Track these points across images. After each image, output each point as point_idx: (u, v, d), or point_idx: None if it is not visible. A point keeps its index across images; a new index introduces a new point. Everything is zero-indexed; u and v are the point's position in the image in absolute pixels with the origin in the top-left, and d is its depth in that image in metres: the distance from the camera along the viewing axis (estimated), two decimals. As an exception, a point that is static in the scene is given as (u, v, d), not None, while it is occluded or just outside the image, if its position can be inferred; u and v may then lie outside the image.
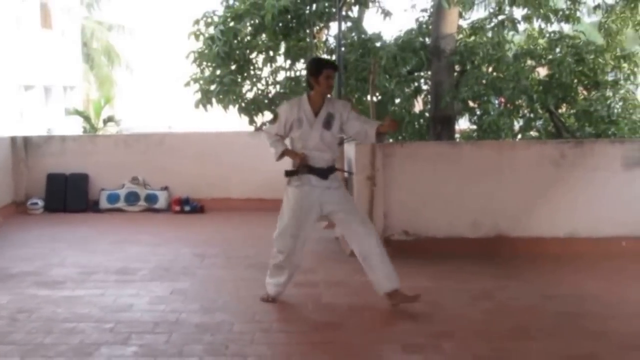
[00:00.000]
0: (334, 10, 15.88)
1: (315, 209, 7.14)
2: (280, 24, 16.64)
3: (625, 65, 18.12)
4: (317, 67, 7.16)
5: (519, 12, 18.04)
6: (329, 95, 7.36)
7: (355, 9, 18.25)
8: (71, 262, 9.09)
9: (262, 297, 7.39)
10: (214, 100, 17.12)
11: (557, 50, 17.86)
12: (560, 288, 7.96)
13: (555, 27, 18.74)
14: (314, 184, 7.06)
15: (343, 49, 15.00)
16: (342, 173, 7.71)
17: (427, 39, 17.65)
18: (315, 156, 7.07)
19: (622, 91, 18.25)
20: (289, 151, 7.19)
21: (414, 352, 5.96)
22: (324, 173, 7.07)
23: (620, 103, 18.04)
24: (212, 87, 17.11)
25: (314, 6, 16.74)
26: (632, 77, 18.42)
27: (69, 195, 12.94)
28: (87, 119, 30.42)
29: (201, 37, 17.38)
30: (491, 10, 18.87)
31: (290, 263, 7.25)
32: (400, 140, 16.86)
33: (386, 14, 17.50)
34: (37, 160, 13.07)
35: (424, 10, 17.94)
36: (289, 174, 7.17)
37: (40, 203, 12.80)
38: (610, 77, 18.20)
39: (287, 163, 7.28)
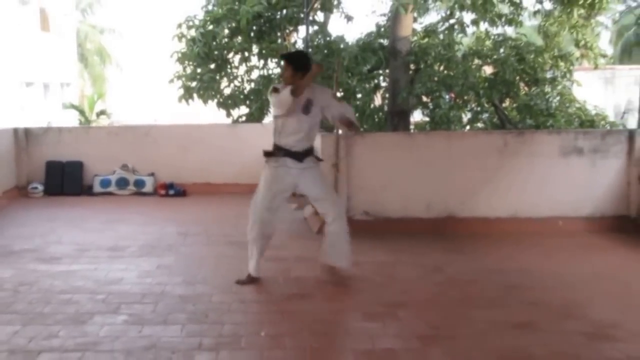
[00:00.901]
0: (302, 15, 15.86)
1: (290, 187, 7.09)
2: (254, 28, 16.62)
3: (562, 64, 18.21)
4: (307, 60, 7.18)
5: (468, 17, 18.09)
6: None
7: (321, 14, 18.22)
8: (67, 240, 9.05)
9: (238, 280, 7.12)
10: (195, 95, 17.08)
11: (502, 50, 17.91)
12: (503, 263, 8.00)
13: (499, 30, 18.80)
14: (289, 165, 6.94)
15: (310, 50, 14.97)
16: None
17: (385, 41, 17.63)
18: (292, 140, 6.93)
19: (559, 87, 18.33)
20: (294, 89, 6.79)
21: (373, 320, 5.97)
22: (300, 156, 6.94)
23: (558, 98, 18.12)
24: (194, 84, 17.06)
25: (284, 12, 16.74)
26: (568, 75, 18.52)
27: (65, 181, 12.85)
28: (81, 112, 30.13)
29: (183, 39, 17.32)
30: (443, 15, 18.94)
31: (263, 234, 7.12)
32: (362, 131, 16.86)
33: (348, 18, 17.53)
34: (37, 149, 12.97)
35: (383, 15, 17.92)
36: (267, 154, 7.06)
37: (40, 187, 12.71)
38: (548, 75, 18.27)
39: (265, 145, 7.21)
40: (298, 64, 7.01)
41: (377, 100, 18.41)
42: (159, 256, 8.22)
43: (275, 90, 6.94)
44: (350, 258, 7.07)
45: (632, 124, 21.01)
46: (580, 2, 17.41)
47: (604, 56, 20.03)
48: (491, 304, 6.53)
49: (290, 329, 5.76)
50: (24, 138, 12.93)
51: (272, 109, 7.13)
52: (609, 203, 9.79)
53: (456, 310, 6.31)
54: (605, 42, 34.94)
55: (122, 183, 12.91)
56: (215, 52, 17.02)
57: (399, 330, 5.80)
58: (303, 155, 6.97)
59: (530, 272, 7.58)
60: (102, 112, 31.56)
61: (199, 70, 17.17)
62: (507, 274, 7.55)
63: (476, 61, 17.84)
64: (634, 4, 31.21)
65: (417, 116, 19.20)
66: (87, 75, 39.93)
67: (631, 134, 9.87)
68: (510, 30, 19.44)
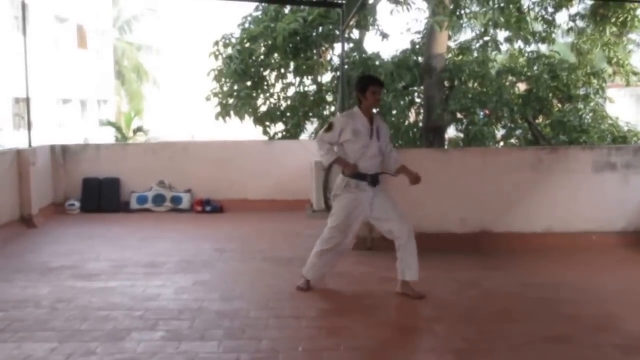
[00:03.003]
0: (337, 32, 15.91)
1: (366, 211, 7.11)
2: (291, 45, 16.71)
3: (594, 81, 18.15)
4: (364, 84, 7.13)
5: (502, 35, 18.09)
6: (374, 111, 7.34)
7: (357, 31, 18.27)
8: (105, 257, 9.09)
9: (299, 286, 7.38)
10: (232, 112, 17.21)
11: (535, 68, 17.87)
12: (538, 277, 7.95)
13: (533, 47, 18.74)
14: (366, 190, 7.04)
15: (346, 67, 15.02)
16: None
17: (420, 58, 17.64)
18: (371, 164, 7.06)
19: (592, 104, 18.25)
20: (341, 160, 7.08)
21: (410, 334, 5.98)
22: (375, 179, 7.07)
23: (591, 114, 18.04)
24: (231, 101, 17.21)
25: (320, 29, 16.82)
26: (600, 92, 18.45)
27: (103, 198, 12.93)
28: (119, 129, 30.46)
29: (220, 57, 17.48)
30: (477, 33, 18.93)
31: (336, 251, 7.32)
32: (397, 147, 16.84)
33: (384, 36, 17.54)
34: (75, 166, 13.07)
35: (418, 32, 17.92)
36: (347, 183, 7.07)
37: (77, 204, 12.81)
38: (581, 92, 18.20)
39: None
40: (356, 92, 7.34)
41: (412, 117, 18.41)
42: (195, 272, 8.24)
43: (330, 128, 7.13)
44: (418, 271, 7.08)
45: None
46: (613, 21, 17.39)
47: (636, 74, 19.88)
48: (526, 318, 6.49)
49: (327, 344, 5.74)
50: (62, 155, 13.03)
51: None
52: (642, 218, 9.72)
53: (491, 324, 6.27)
54: (637, 60, 34.64)
55: (159, 200, 12.98)
56: (252, 70, 17.15)
57: (435, 344, 5.78)
58: (377, 177, 7.12)
59: (564, 286, 7.54)
60: (139, 129, 31.85)
61: (235, 87, 17.30)
62: (541, 288, 7.51)
63: (510, 78, 17.81)
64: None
65: (451, 133, 19.16)
66: (124, 93, 40.32)
67: (664, 150, 9.80)
68: (543, 48, 19.39)
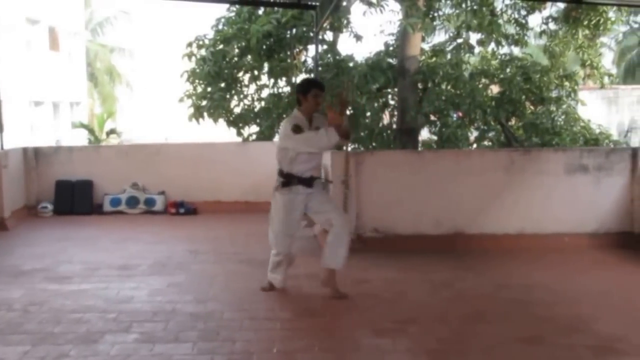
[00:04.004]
0: (311, 34, 15.93)
1: (301, 210, 7.20)
2: (264, 47, 16.69)
3: (567, 83, 18.27)
4: (306, 87, 7.20)
5: (474, 37, 18.18)
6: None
7: (330, 33, 18.29)
8: (78, 259, 9.05)
9: (263, 287, 7.50)
10: (205, 114, 17.17)
11: (508, 70, 17.97)
12: (511, 278, 8.01)
13: (506, 49, 18.86)
14: (300, 192, 7.08)
15: (320, 68, 15.04)
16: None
17: (393, 60, 17.70)
18: (306, 167, 7.06)
19: (564, 106, 18.37)
20: (337, 128, 6.85)
21: (384, 336, 5.98)
22: (309, 182, 7.07)
23: (563, 117, 18.16)
24: (204, 103, 17.16)
25: (294, 31, 16.80)
26: (572, 94, 18.57)
27: (75, 200, 12.86)
28: (91, 131, 30.21)
29: (194, 58, 17.43)
30: (450, 35, 19.01)
31: (288, 258, 7.43)
32: (371, 149, 16.89)
33: (357, 37, 17.57)
34: (47, 168, 12.99)
35: (391, 34, 17.97)
36: (284, 183, 7.11)
37: (50, 207, 12.73)
38: (554, 94, 18.30)
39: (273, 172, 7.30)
40: (297, 93, 7.41)
41: (386, 119, 18.47)
42: (169, 274, 8.23)
43: (299, 128, 7.01)
44: (344, 262, 7.13)
45: (635, 142, 21.05)
46: (585, 23, 17.52)
47: (610, 75, 20.08)
48: (499, 319, 6.55)
49: (301, 345, 5.76)
50: (34, 157, 12.94)
51: (291, 143, 7.04)
52: (613, 220, 9.83)
53: (465, 325, 6.32)
54: (608, 63, 34.99)
55: (133, 202, 12.93)
56: (226, 71, 17.12)
57: (409, 345, 5.81)
58: (311, 180, 7.11)
59: (537, 288, 7.60)
60: (112, 131, 31.66)
61: (209, 89, 17.25)
62: (514, 289, 7.57)
63: (483, 80, 17.90)
64: (636, 26, 31.41)
65: (424, 134, 19.23)
66: (97, 95, 40.09)
67: (634, 152, 9.91)
68: (516, 50, 19.51)
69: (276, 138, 17.56)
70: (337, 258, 7.09)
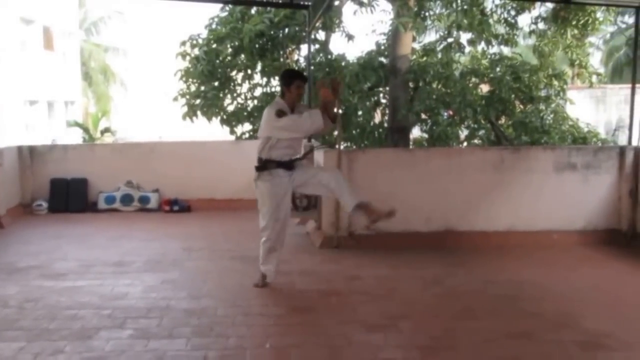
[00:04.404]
0: (304, 33, 15.93)
1: (287, 192, 7.30)
2: (257, 46, 16.70)
3: (556, 82, 18.34)
4: (289, 78, 7.31)
5: (465, 36, 18.22)
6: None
7: (323, 32, 18.30)
8: (73, 257, 9.02)
9: (256, 284, 7.49)
10: (199, 112, 17.17)
11: (498, 69, 18.03)
12: (501, 274, 8.03)
13: (496, 49, 18.92)
14: (281, 175, 7.18)
15: (312, 67, 15.05)
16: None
17: (385, 59, 17.72)
18: (285, 152, 7.17)
19: (553, 105, 18.44)
20: (322, 108, 7.09)
21: (376, 332, 5.99)
22: (289, 165, 7.19)
23: (552, 115, 18.22)
24: (197, 101, 17.17)
25: (287, 30, 16.81)
26: (561, 93, 18.65)
27: (70, 198, 12.82)
28: (86, 130, 30.18)
29: (187, 57, 17.43)
30: (441, 35, 19.05)
31: (278, 243, 7.44)
32: (362, 147, 16.92)
33: (349, 37, 17.61)
34: (42, 166, 12.95)
35: (383, 34, 18.01)
36: (259, 168, 7.24)
37: (45, 204, 12.69)
38: (543, 93, 18.36)
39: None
40: (280, 83, 7.51)
41: (378, 117, 18.49)
42: (163, 271, 8.22)
43: (283, 113, 7.08)
44: (358, 194, 7.18)
45: (622, 140, 21.09)
46: (574, 23, 17.58)
47: (598, 74, 20.15)
48: (488, 315, 6.56)
49: (294, 341, 5.77)
50: (29, 156, 12.90)
51: (272, 129, 7.15)
52: (601, 217, 9.87)
53: (455, 321, 6.33)
54: (596, 62, 35.09)
55: (127, 199, 12.91)
56: (219, 70, 17.13)
57: (400, 341, 5.82)
58: (292, 163, 7.25)
59: (526, 284, 7.62)
60: (107, 130, 31.61)
61: (202, 87, 17.27)
62: (504, 285, 7.58)
63: (473, 79, 17.95)
64: (624, 26, 31.53)
65: (415, 133, 19.27)
66: (91, 94, 40.01)
67: (622, 150, 9.95)
68: (506, 50, 19.56)
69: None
70: (355, 194, 7.12)
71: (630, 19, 27.01)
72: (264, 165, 7.21)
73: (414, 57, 18.28)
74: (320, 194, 8.04)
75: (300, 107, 7.37)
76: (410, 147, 17.65)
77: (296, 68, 17.69)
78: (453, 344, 5.76)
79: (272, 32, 16.72)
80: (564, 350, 5.61)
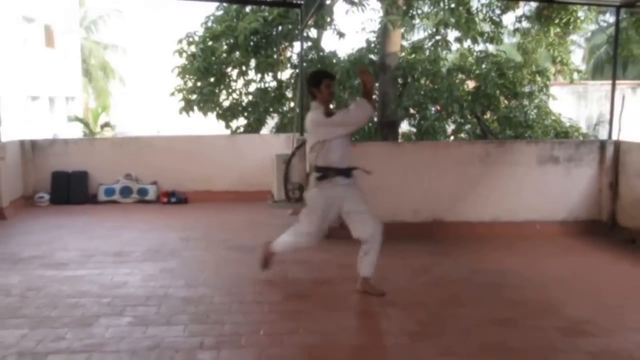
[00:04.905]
0: (296, 31, 15.91)
1: (339, 204, 6.79)
2: (251, 43, 16.68)
3: (539, 79, 18.35)
4: (317, 78, 6.90)
5: (452, 34, 18.20)
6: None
7: (315, 30, 18.28)
8: (74, 247, 9.02)
9: (266, 251, 7.30)
10: (195, 107, 17.15)
11: (483, 66, 18.02)
12: (485, 263, 8.04)
13: (481, 46, 18.91)
14: (340, 183, 6.71)
15: (304, 64, 15.02)
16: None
17: (375, 56, 17.72)
18: (339, 155, 6.74)
19: (536, 101, 18.45)
20: (367, 92, 6.71)
21: (366, 318, 6.02)
22: (348, 172, 6.78)
23: (535, 110, 18.24)
24: (194, 97, 17.15)
25: (280, 28, 16.80)
26: (544, 89, 18.66)
27: (71, 190, 12.81)
28: (86, 124, 30.09)
29: (184, 54, 17.39)
30: (428, 33, 19.05)
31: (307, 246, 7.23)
32: (353, 141, 16.89)
33: (340, 35, 17.59)
34: (43, 160, 12.92)
35: (373, 32, 17.99)
36: (320, 178, 6.75)
37: (46, 196, 12.67)
38: (526, 89, 18.37)
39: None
40: (308, 86, 7.06)
41: (368, 112, 18.45)
42: (161, 260, 8.22)
43: (331, 112, 6.79)
44: (372, 268, 6.86)
45: (603, 135, 21.14)
46: (556, 22, 17.60)
47: (579, 72, 20.21)
48: (474, 303, 6.58)
49: (287, 328, 5.77)
50: (31, 150, 12.87)
51: (325, 131, 6.72)
52: (582, 208, 9.89)
53: (442, 308, 6.34)
54: (578, 60, 35.16)
55: (126, 192, 12.89)
56: (215, 67, 17.10)
57: (390, 327, 5.84)
58: (350, 170, 6.82)
59: (510, 273, 7.64)
60: (106, 125, 31.55)
61: (199, 83, 17.25)
62: (489, 274, 7.60)
63: (460, 76, 17.95)
64: (605, 24, 31.59)
65: (404, 127, 19.26)
66: (91, 90, 39.92)
67: (602, 144, 9.97)
68: (491, 47, 19.57)
69: (264, 130, 17.62)
70: (372, 267, 6.82)
71: (610, 18, 27.10)
72: (324, 174, 6.72)
73: (403, 54, 18.27)
74: (352, 232, 7.07)
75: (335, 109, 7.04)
76: (399, 140, 17.66)
77: (289, 64, 17.70)
78: (440, 330, 5.78)
79: (266, 30, 16.70)
80: (546, 336, 5.62)
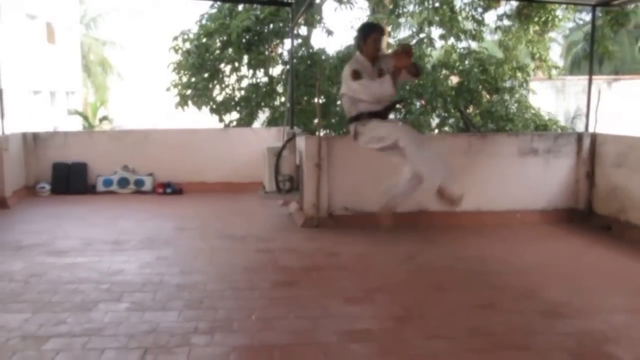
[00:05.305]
0: (287, 29, 15.88)
1: (396, 127, 6.75)
2: (244, 41, 16.65)
3: (519, 74, 18.40)
4: (366, 32, 6.85)
5: (436, 32, 18.23)
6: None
7: (305, 28, 18.25)
8: (73, 235, 8.96)
9: (383, 208, 7.33)
10: (190, 102, 17.12)
11: (466, 62, 18.06)
12: (468, 251, 8.04)
13: (464, 44, 18.93)
14: (379, 121, 6.80)
15: (295, 60, 14.99)
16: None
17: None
18: (371, 106, 6.76)
19: (517, 95, 18.51)
20: (396, 72, 6.60)
21: (353, 304, 6.00)
22: (384, 114, 6.78)
23: (516, 105, 18.30)
24: (189, 92, 17.12)
25: (271, 26, 16.78)
26: (524, 84, 18.72)
27: (71, 180, 12.74)
28: (85, 118, 30.02)
29: (179, 51, 17.36)
30: (414, 30, 19.04)
31: (414, 175, 7.03)
32: (341, 134, 16.92)
33: (329, 32, 17.59)
34: (44, 151, 12.85)
35: (360, 29, 17.97)
36: (353, 119, 6.78)
37: (47, 187, 12.60)
38: (507, 84, 18.43)
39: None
40: (357, 39, 7.03)
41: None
42: (157, 249, 8.17)
43: (357, 74, 6.72)
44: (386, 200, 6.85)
45: (580, 127, 21.21)
46: (535, 20, 17.65)
47: (557, 67, 20.27)
48: (457, 288, 6.58)
49: (278, 313, 5.76)
50: (32, 142, 12.81)
51: (347, 88, 6.81)
52: (560, 197, 9.91)
53: (427, 293, 6.34)
54: (556, 56, 35.26)
55: (123, 182, 12.83)
56: (208, 63, 17.08)
57: (376, 312, 5.82)
58: (386, 112, 6.86)
59: (492, 259, 7.64)
60: (104, 118, 31.50)
61: (193, 79, 17.23)
62: (471, 261, 7.61)
63: (444, 72, 17.98)
64: (581, 22, 31.66)
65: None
66: (90, 84, 39.84)
67: (580, 137, 9.99)
68: (474, 44, 19.59)
69: (255, 124, 17.60)
70: (387, 196, 6.93)
71: (587, 17, 27.18)
72: (358, 116, 6.81)
73: (389, 51, 18.27)
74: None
75: (384, 60, 6.94)
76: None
77: (280, 60, 17.67)
78: (425, 314, 5.78)
79: (257, 28, 16.68)
80: (526, 319, 5.63)
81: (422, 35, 18.16)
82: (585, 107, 10.69)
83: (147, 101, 40.33)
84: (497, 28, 19.40)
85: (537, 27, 18.28)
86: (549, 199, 9.90)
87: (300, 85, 16.35)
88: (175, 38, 17.44)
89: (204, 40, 17.06)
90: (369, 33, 6.79)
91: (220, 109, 17.50)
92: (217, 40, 17.03)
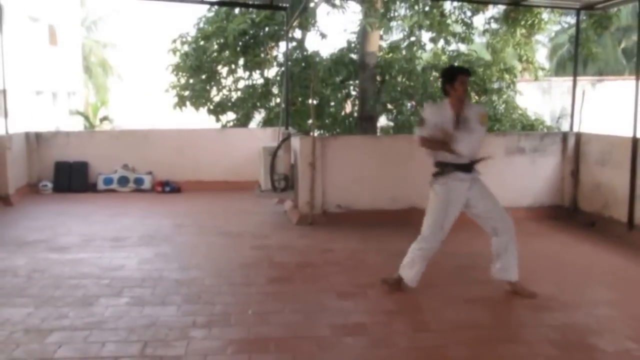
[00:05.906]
0: (282, 32, 15.87)
1: (462, 201, 6.21)
2: (240, 43, 16.68)
3: (507, 76, 18.44)
4: (452, 74, 6.04)
5: (426, 35, 18.24)
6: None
7: (299, 31, 18.25)
8: (75, 232, 8.96)
9: (385, 279, 6.43)
10: (187, 103, 17.12)
11: (456, 64, 18.04)
12: (457, 247, 8.00)
13: (454, 46, 18.94)
14: (460, 178, 6.11)
15: (289, 63, 14.98)
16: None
17: (355, 55, 17.71)
18: (460, 154, 6.05)
19: (504, 96, 18.55)
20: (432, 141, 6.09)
21: (346, 299, 6.00)
22: (467, 168, 6.13)
23: (503, 105, 18.34)
24: (186, 93, 17.15)
25: (267, 29, 16.81)
26: (512, 85, 18.77)
27: (72, 179, 12.73)
28: (86, 118, 29.99)
29: (177, 53, 17.35)
30: (405, 33, 19.04)
31: (433, 251, 6.33)
32: (335, 134, 16.93)
33: (323, 35, 17.62)
34: (47, 151, 12.84)
35: (353, 32, 17.97)
36: (436, 174, 6.23)
37: (50, 185, 12.59)
38: (495, 86, 18.45)
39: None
40: (442, 83, 6.25)
41: (348, 107, 18.51)
42: (156, 245, 8.17)
43: (422, 121, 6.18)
44: (517, 269, 6.21)
45: (565, 127, 21.28)
46: (522, 23, 17.66)
47: (543, 69, 20.32)
48: (447, 283, 6.59)
49: (274, 307, 5.76)
50: (35, 141, 12.79)
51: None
52: (546, 195, 9.95)
53: (417, 288, 6.31)
54: (542, 58, 35.31)
55: (123, 181, 12.82)
56: (206, 65, 17.11)
57: (369, 306, 5.84)
58: (470, 166, 6.18)
59: (480, 255, 7.60)
60: (105, 118, 31.44)
61: (191, 80, 17.25)
62: (460, 256, 7.62)
63: (434, 74, 17.97)
64: (567, 25, 31.73)
65: (382, 121, 19.28)
66: (91, 85, 39.75)
67: (565, 136, 10.03)
68: (463, 47, 19.62)
69: (251, 124, 17.58)
70: (515, 270, 6.22)
71: (572, 20, 27.18)
72: (441, 170, 6.16)
73: (381, 53, 18.27)
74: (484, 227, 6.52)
75: (470, 109, 6.19)
76: (378, 134, 17.66)
77: (275, 63, 17.68)
78: (416, 308, 5.80)
79: (253, 31, 16.70)
80: (514, 312, 5.69)
81: (412, 38, 18.16)
82: (570, 107, 10.71)
83: (147, 102, 40.26)
84: (486, 31, 19.41)
85: (524, 30, 18.29)
86: (535, 196, 9.92)
87: (295, 87, 16.36)
88: (174, 40, 17.46)
89: (202, 42, 17.08)
90: (456, 75, 6.04)
91: (217, 110, 17.52)
92: (215, 43, 17.04)
